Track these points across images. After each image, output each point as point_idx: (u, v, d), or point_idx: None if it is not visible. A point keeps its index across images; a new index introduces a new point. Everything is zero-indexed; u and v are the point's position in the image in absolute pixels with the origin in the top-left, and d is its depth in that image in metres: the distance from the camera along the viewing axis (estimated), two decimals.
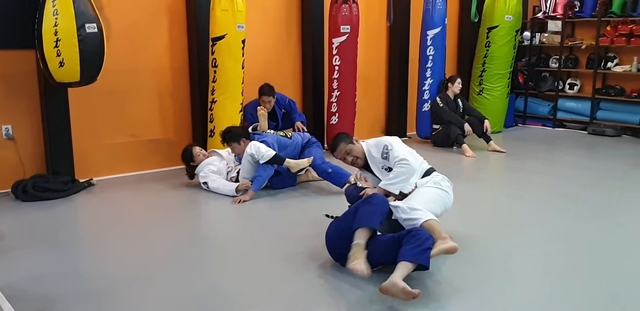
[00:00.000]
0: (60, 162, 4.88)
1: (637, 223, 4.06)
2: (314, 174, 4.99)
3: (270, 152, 4.58)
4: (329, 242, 3.20)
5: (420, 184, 3.46)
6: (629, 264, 3.29)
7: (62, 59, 4.34)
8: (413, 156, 3.52)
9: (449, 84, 6.65)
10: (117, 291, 2.96)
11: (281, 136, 4.95)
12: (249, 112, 5.64)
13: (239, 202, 4.50)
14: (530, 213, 4.27)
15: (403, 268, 2.73)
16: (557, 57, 7.93)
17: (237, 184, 4.67)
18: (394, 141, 3.58)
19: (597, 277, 3.09)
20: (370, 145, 3.64)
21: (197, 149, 4.94)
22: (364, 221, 2.92)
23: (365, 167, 3.68)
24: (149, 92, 5.49)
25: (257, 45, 5.90)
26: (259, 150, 4.56)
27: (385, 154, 3.52)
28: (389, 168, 3.52)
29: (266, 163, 4.57)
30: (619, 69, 7.42)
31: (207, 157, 4.94)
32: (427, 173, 3.55)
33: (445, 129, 6.53)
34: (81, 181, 4.94)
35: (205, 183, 4.79)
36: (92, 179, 5.05)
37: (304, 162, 4.74)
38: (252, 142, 4.64)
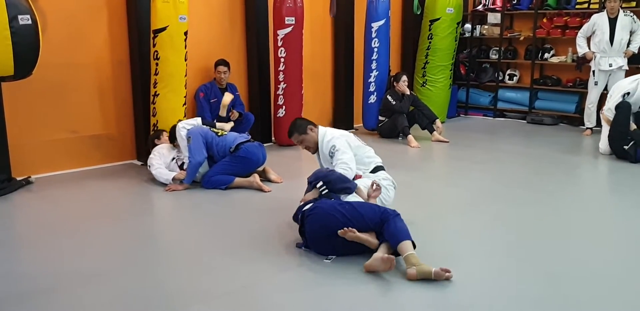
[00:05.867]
0: None
1: (572, 207, 4.25)
2: (273, 176, 4.94)
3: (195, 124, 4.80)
4: (317, 233, 3.19)
5: (366, 177, 3.75)
6: (564, 245, 3.43)
7: None
8: (352, 154, 3.74)
9: (395, 83, 6.71)
10: (58, 291, 2.87)
11: (213, 131, 4.85)
12: (198, 93, 5.82)
13: (171, 190, 4.62)
14: (472, 199, 4.40)
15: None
16: (497, 48, 8.16)
17: (175, 173, 4.72)
18: (340, 144, 3.78)
19: (535, 259, 3.22)
20: (325, 139, 3.85)
21: (166, 134, 5.09)
22: (407, 236, 3.09)
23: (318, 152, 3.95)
24: (89, 86, 5.33)
25: (200, 37, 5.81)
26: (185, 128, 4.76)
27: (332, 154, 3.79)
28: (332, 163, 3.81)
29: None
30: (555, 59, 7.71)
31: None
32: (376, 169, 3.81)
33: (392, 121, 6.62)
34: (18, 179, 4.76)
35: (149, 166, 4.85)
36: (30, 177, 4.87)
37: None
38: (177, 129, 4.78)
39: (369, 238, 3.11)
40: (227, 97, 5.54)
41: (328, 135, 3.86)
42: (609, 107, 5.74)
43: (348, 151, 3.74)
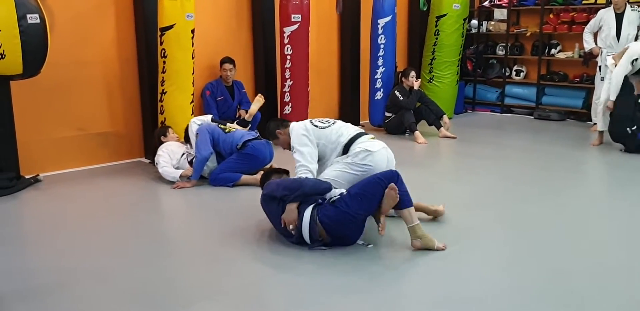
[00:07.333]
0: (4, 157, 4.70)
1: (579, 202, 4.25)
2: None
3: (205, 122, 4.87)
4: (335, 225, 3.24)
5: (336, 162, 3.75)
6: (570, 241, 3.43)
7: (3, 51, 4.20)
8: (309, 149, 3.70)
9: (403, 79, 6.70)
10: (66, 287, 2.90)
11: (221, 127, 4.90)
12: (204, 92, 5.85)
13: (179, 188, 4.66)
14: (480, 196, 4.40)
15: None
16: (504, 44, 8.13)
17: (181, 171, 4.76)
18: (298, 142, 3.73)
19: (541, 254, 3.23)
20: (292, 137, 3.80)
21: (171, 130, 5.10)
22: (409, 201, 3.33)
23: None
24: (97, 84, 5.36)
25: (207, 35, 5.82)
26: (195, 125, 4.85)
27: (293, 153, 3.78)
28: None
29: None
30: (562, 55, 7.68)
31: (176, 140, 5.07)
32: (350, 142, 3.75)
33: (398, 117, 6.62)
34: (27, 177, 4.80)
35: (157, 164, 4.87)
36: (38, 175, 4.91)
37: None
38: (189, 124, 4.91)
39: (384, 222, 3.33)
40: (255, 106, 5.40)
41: (292, 135, 3.81)
42: (620, 63, 5.64)
43: (304, 150, 3.70)
